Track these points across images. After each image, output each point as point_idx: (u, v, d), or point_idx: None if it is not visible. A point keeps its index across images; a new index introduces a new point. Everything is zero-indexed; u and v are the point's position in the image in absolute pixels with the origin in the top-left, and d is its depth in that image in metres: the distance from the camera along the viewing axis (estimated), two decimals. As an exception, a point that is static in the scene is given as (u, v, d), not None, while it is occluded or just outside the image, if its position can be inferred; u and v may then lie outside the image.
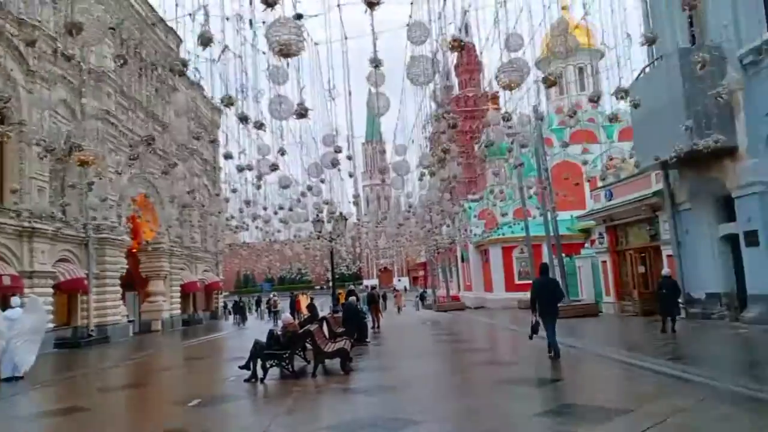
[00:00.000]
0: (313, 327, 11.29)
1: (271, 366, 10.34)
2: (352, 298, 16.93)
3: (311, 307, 16.44)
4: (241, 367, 10.67)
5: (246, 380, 10.32)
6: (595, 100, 17.79)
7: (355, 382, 9.74)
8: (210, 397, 9.03)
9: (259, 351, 10.36)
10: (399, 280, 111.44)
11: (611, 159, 39.98)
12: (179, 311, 34.56)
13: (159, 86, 34.54)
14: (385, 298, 44.67)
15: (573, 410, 6.89)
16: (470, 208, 37.63)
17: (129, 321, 28.94)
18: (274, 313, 38.02)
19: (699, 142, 14.14)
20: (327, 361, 10.91)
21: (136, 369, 14.80)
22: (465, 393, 8.50)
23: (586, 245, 29.99)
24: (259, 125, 12.06)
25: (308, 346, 11.24)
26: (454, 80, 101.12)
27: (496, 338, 18.12)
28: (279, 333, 10.81)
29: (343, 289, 27.39)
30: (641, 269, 20.35)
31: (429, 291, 51.64)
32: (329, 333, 15.29)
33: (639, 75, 17.59)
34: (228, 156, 20.49)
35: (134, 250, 31.37)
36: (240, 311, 43.45)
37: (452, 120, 12.52)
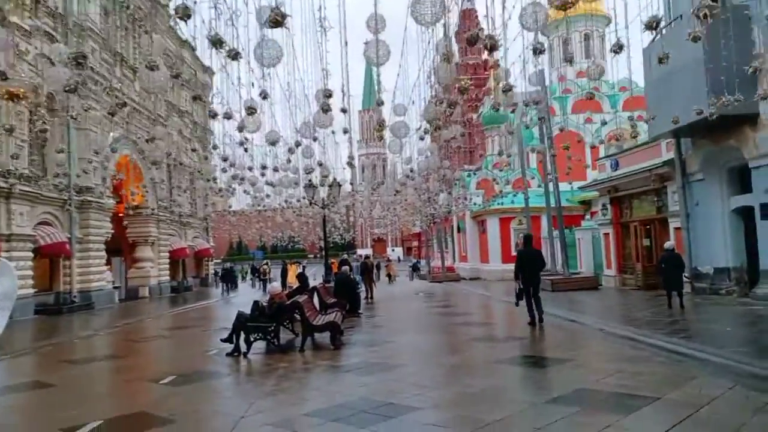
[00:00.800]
0: (302, 298, 10.46)
1: (255, 339, 9.54)
2: (345, 268, 16.12)
3: (301, 277, 15.60)
4: (223, 340, 9.88)
5: (228, 354, 9.54)
6: (595, 78, 16.87)
7: (346, 359, 8.96)
8: (186, 374, 8.24)
9: (242, 323, 9.55)
10: (393, 250, 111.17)
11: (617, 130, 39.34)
12: (168, 278, 33.78)
13: (148, 43, 33.09)
14: (378, 267, 44.05)
15: (588, 396, 6.12)
16: (469, 177, 36.69)
17: (115, 287, 28.15)
18: (262, 281, 37.33)
19: (718, 107, 13.25)
20: (316, 334, 10.14)
21: (114, 338, 13.98)
22: (465, 373, 7.72)
23: (586, 217, 29.22)
24: (234, 54, 10.76)
25: (297, 318, 10.46)
26: (455, 47, 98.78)
27: (492, 311, 17.41)
28: (265, 304, 9.99)
29: (336, 259, 26.64)
30: (646, 242, 19.60)
31: (423, 261, 51.07)
32: (320, 304, 14.52)
33: (655, 36, 16.49)
34: (213, 115, 19.39)
35: (121, 215, 30.42)
36: (229, 279, 42.84)
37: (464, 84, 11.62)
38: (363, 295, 21.00)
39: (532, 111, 32.41)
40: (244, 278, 43.15)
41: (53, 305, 22.53)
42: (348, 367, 8.18)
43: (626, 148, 20.96)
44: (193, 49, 42.05)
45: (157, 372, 8.44)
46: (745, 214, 15.24)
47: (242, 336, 9.49)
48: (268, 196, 22.36)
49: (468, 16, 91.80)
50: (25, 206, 20.74)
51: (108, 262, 28.95)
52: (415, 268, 47.35)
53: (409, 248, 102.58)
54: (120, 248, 31.54)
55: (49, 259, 23.05)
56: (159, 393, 7.19)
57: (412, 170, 16.40)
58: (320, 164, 13.41)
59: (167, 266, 33.98)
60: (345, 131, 13.09)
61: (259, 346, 9.81)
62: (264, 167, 18.69)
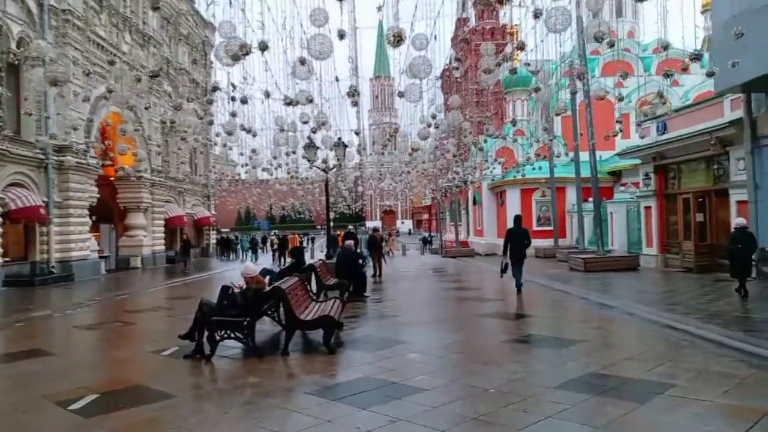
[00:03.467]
0: (289, 282, 7.97)
1: (223, 338, 7.12)
2: (349, 242, 13.62)
3: (296, 252, 13.09)
4: (182, 337, 7.49)
5: (187, 356, 7.16)
6: (600, 39, 14.09)
7: (344, 372, 6.52)
8: (114, 391, 5.86)
9: (205, 316, 7.13)
10: (402, 223, 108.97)
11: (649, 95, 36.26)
12: (163, 247, 31.58)
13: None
14: (391, 236, 41.63)
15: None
16: (486, 142, 33.88)
17: (102, 257, 25.98)
18: (252, 249, 35.14)
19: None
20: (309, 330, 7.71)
21: (58, 324, 11.54)
22: (512, 403, 5.25)
23: (619, 189, 26.49)
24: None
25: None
26: (471, 12, 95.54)
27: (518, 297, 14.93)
28: (237, 290, 7.55)
29: (342, 231, 24.17)
30: (699, 217, 16.91)
31: (434, 235, 48.63)
32: (318, 286, 12.09)
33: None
34: (216, 88, 17.06)
35: (111, 178, 28.10)
36: (226, 248, 40.65)
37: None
38: (370, 272, 18.64)
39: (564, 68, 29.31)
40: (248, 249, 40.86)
41: (27, 276, 20.36)
42: (344, 390, 5.73)
43: (677, 108, 18.08)
44: (192, 1, 39.38)
45: (75, 387, 6.03)
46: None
47: (206, 333, 7.08)
48: (271, 163, 19.61)
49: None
50: (-10, 165, 18.39)
51: (95, 230, 26.81)
52: (426, 242, 44.98)
53: (419, 221, 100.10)
54: (111, 215, 29.40)
55: (24, 226, 20.80)
56: (57, 429, 4.80)
57: (432, 123, 13.67)
58: (323, 123, 10.76)
59: (162, 235, 31.77)
60: (351, 95, 10.47)
61: (232, 344, 7.42)
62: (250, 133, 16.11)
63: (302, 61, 9.53)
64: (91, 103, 24.12)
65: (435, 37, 10.86)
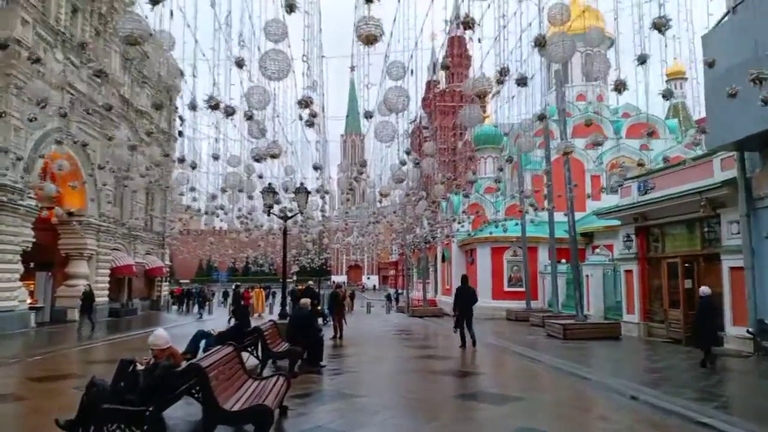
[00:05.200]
0: (213, 357, 6.15)
1: (115, 436, 5.21)
2: (305, 301, 11.81)
3: (238, 312, 11.19)
4: (63, 426, 5.55)
5: (64, 460, 5.22)
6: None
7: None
8: None
9: (93, 404, 5.24)
10: (368, 278, 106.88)
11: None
12: (106, 299, 28.96)
13: (101, 27, 28.97)
14: (353, 297, 39.67)
15: None
16: (457, 200, 32.84)
17: (34, 308, 23.41)
18: (199, 303, 32.70)
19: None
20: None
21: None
22: None
23: (597, 251, 25.45)
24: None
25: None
26: (442, 74, 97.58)
27: (502, 367, 13.24)
28: (142, 367, 5.70)
29: (303, 285, 22.30)
30: (688, 283, 15.70)
31: (400, 292, 46.85)
32: (263, 353, 10.21)
33: (721, 20, 12.93)
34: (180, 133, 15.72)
35: (52, 221, 25.75)
36: (188, 301, 38.03)
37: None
38: (330, 333, 16.74)
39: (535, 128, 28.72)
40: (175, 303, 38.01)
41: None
42: None
43: (660, 168, 17.22)
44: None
45: None
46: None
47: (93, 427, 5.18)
48: (220, 209, 17.80)
49: (456, 42, 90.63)
50: None
51: (30, 278, 24.31)
52: (391, 299, 43.14)
53: (385, 277, 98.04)
54: (52, 261, 26.91)
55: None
56: None
57: (405, 162, 12.22)
58: (274, 154, 9.23)
59: (106, 285, 29.22)
60: (309, 123, 9.07)
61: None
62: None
63: (249, 116, 8.12)
64: (35, 140, 22.21)
65: (412, 72, 9.65)
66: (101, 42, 28.56)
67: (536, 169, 32.78)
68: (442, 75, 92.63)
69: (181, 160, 12.57)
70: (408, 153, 10.34)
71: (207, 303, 33.42)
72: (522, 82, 9.16)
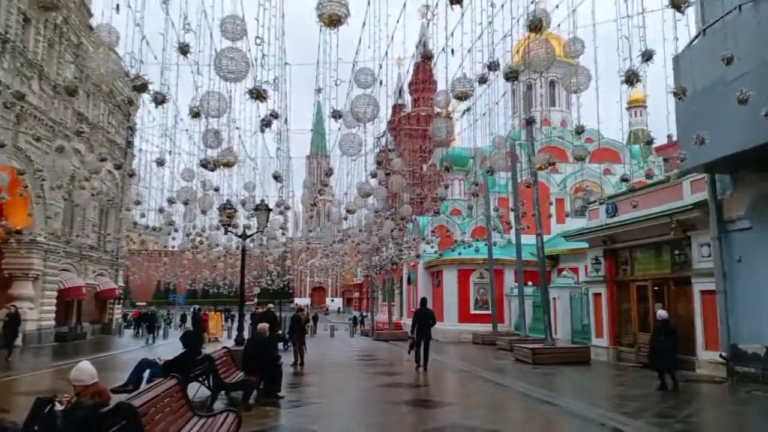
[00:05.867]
0: (149, 394, 5.30)
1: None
2: (263, 326, 10.94)
3: (188, 338, 10.19)
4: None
5: None
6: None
7: None
8: None
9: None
10: (332, 300, 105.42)
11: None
12: (52, 323, 27.24)
13: (55, 39, 27.73)
14: (316, 320, 38.58)
15: None
16: (424, 221, 32.43)
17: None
18: (148, 327, 31.17)
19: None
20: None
21: None
22: None
23: (564, 273, 25.23)
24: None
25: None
26: (408, 98, 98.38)
27: (472, 396, 12.57)
28: (61, 406, 4.83)
29: (264, 307, 21.29)
30: (658, 307, 15.39)
31: (365, 315, 45.97)
32: (215, 385, 9.30)
33: (692, 41, 12.85)
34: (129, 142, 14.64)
35: (-3, 239, 24.16)
36: (148, 324, 36.26)
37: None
38: (291, 360, 15.83)
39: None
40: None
41: None
42: None
43: (625, 191, 17.05)
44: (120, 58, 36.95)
45: None
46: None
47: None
48: (170, 224, 16.71)
49: (422, 68, 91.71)
50: None
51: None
52: (355, 322, 42.18)
53: (350, 299, 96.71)
54: (-5, 283, 25.17)
55: None
56: None
57: (374, 176, 11.50)
58: (226, 164, 8.34)
59: (53, 308, 27.50)
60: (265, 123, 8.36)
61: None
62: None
63: (195, 113, 7.41)
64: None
65: (381, 82, 9.09)
66: (54, 54, 27.33)
67: (502, 192, 32.72)
68: (408, 99, 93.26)
69: (131, 175, 11.67)
70: (379, 163, 9.73)
71: (157, 327, 31.80)
72: (482, 80, 8.77)
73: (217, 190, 12.48)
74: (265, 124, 6.34)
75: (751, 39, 10.73)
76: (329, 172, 9.65)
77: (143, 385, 8.58)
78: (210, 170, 8.87)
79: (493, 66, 6.33)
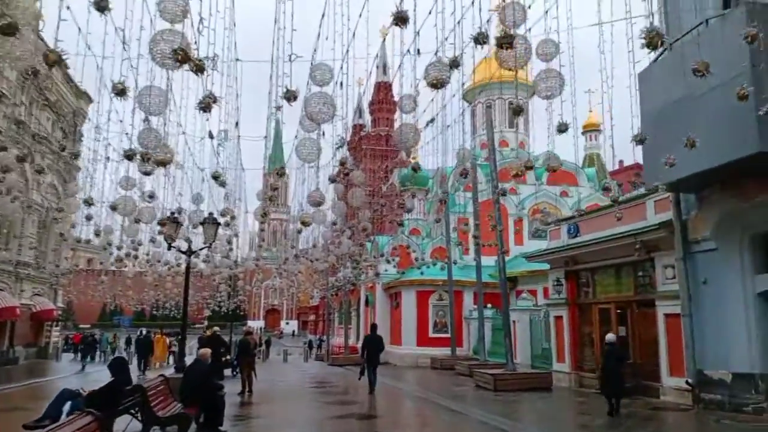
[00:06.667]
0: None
1: None
2: (204, 351, 9.91)
3: (114, 366, 9.01)
4: None
5: None
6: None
7: None
8: None
9: None
10: (287, 323, 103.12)
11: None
12: (-23, 346, 25.14)
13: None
14: (269, 344, 37.17)
15: None
16: (383, 241, 31.72)
17: None
18: (82, 351, 29.35)
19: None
20: None
21: None
22: None
23: (523, 295, 24.87)
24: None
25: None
26: (368, 118, 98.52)
27: (432, 427, 11.76)
28: None
29: (211, 331, 20.01)
30: (621, 331, 15.03)
31: (321, 338, 44.69)
32: (146, 419, 8.22)
33: (658, 57, 12.68)
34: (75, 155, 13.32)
35: None
36: (90, 348, 34.10)
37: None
38: (239, 389, 14.68)
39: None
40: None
41: None
42: None
43: (592, 210, 16.79)
44: (67, 67, 35.21)
45: None
46: (780, 300, 11.12)
47: None
48: (109, 244, 15.38)
49: (383, 88, 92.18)
50: None
51: None
52: (311, 346, 40.86)
53: (305, 322, 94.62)
54: None
55: None
56: None
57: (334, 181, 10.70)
58: (163, 162, 7.40)
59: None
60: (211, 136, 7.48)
61: None
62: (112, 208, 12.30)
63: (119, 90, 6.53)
64: None
65: (341, 85, 8.38)
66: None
67: (462, 212, 32.40)
68: (368, 119, 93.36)
69: (75, 156, 10.41)
70: (342, 164, 8.95)
71: (102, 351, 29.95)
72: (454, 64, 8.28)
73: (152, 196, 11.37)
74: (203, 107, 5.50)
75: (719, 53, 10.51)
76: (280, 171, 8.82)
77: (62, 419, 7.52)
78: (143, 172, 7.85)
79: (480, 39, 5.68)
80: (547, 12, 8.62)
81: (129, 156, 6.79)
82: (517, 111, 7.23)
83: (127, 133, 8.02)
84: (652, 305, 14.01)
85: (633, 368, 14.62)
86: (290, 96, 5.89)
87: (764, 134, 9.55)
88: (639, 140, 9.88)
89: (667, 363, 13.32)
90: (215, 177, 10.07)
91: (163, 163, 5.98)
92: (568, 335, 17.40)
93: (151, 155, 6.03)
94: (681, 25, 12.36)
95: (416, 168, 16.03)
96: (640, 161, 13.54)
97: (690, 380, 12.34)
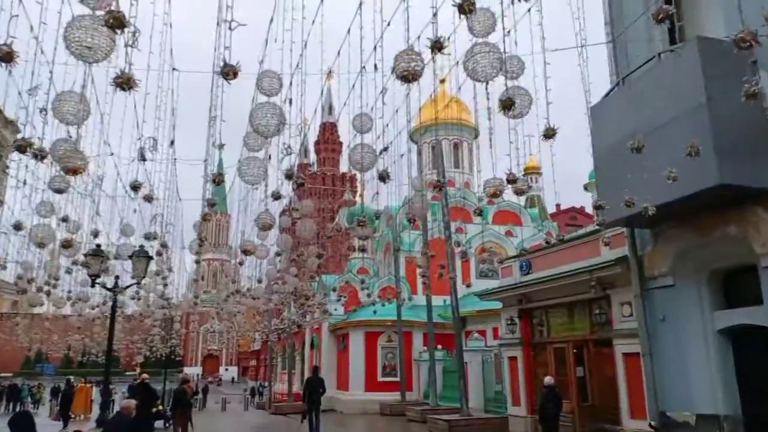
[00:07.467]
0: None
1: None
2: (128, 403, 8.64)
3: (18, 421, 7.65)
4: None
5: None
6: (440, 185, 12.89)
7: None
8: None
9: None
10: (227, 369, 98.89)
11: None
12: None
13: None
14: (206, 392, 34.92)
15: None
16: (330, 280, 30.67)
17: None
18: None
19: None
20: None
21: None
22: None
23: (473, 335, 24.29)
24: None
25: None
26: (313, 156, 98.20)
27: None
28: None
29: (139, 378, 18.28)
30: (579, 371, 14.56)
31: (264, 384, 42.57)
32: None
33: (609, 91, 12.66)
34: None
35: None
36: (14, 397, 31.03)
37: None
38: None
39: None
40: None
41: None
42: None
43: (543, 246, 16.51)
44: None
45: None
46: (740, 337, 10.89)
47: None
48: (19, 276, 13.72)
49: (329, 128, 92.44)
50: None
51: None
52: (253, 393, 38.79)
53: (246, 368, 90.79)
54: None
55: None
56: None
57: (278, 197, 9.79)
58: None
59: None
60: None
61: None
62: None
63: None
64: None
65: (290, 102, 7.68)
66: None
67: (409, 251, 31.89)
68: (313, 158, 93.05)
69: None
70: (289, 177, 8.08)
71: (22, 402, 27.33)
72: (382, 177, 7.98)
73: (65, 220, 10.07)
74: (121, 83, 4.56)
75: (673, 87, 10.49)
76: (218, 179, 7.90)
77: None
78: (54, 189, 6.76)
79: (436, 45, 5.04)
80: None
81: (21, 148, 5.71)
82: (508, 105, 6.46)
83: (39, 138, 6.98)
84: (609, 344, 13.63)
85: (592, 411, 14.14)
86: (228, 72, 5.09)
87: (723, 166, 9.41)
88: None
89: (628, 405, 12.86)
90: (135, 187, 8.90)
91: (74, 172, 5.03)
92: (522, 377, 16.80)
93: (65, 162, 5.04)
94: (629, 60, 12.45)
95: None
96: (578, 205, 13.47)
97: (653, 423, 11.86)
